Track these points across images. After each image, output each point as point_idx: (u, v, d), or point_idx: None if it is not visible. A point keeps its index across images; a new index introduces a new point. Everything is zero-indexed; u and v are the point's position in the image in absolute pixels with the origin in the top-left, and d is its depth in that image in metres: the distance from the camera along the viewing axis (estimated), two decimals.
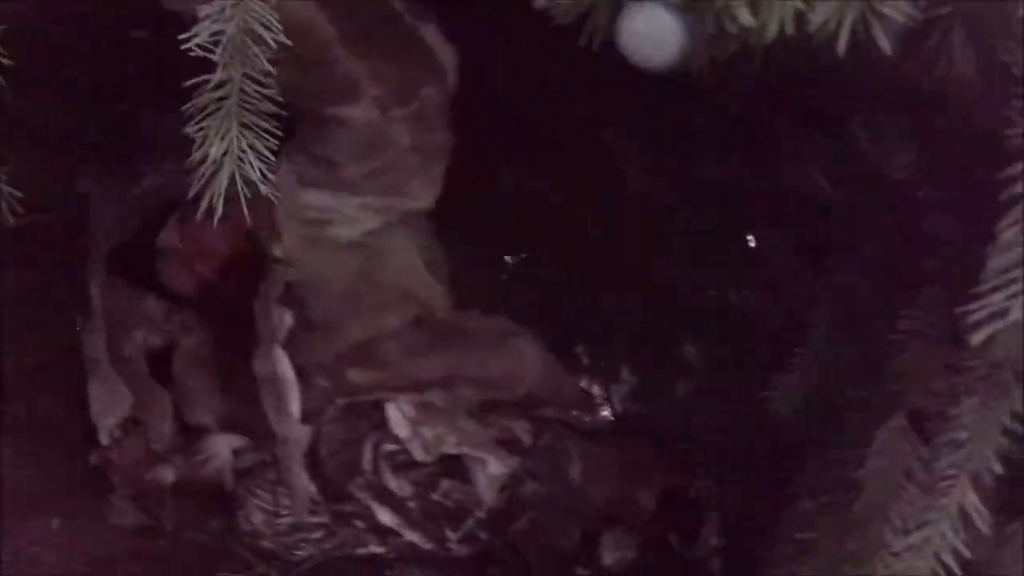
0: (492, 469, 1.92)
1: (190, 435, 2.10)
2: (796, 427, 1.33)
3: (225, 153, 0.98)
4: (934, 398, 0.99)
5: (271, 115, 1.00)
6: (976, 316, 0.75)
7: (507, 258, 2.64)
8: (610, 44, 0.86)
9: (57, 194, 2.06)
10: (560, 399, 2.13)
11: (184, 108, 1.00)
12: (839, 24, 0.75)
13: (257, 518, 1.97)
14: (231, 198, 0.99)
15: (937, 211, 1.15)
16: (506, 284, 2.58)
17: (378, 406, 1.95)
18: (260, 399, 1.93)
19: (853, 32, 0.75)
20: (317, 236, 1.83)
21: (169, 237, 2.07)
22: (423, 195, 1.86)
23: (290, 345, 1.90)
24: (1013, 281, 0.74)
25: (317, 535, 1.95)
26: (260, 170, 0.98)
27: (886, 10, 0.75)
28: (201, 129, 1.00)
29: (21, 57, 1.11)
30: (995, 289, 0.74)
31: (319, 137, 1.74)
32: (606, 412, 2.54)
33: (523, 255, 2.62)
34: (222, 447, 2.06)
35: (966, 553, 0.91)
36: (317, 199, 1.79)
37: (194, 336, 2.14)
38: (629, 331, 2.39)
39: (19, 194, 1.24)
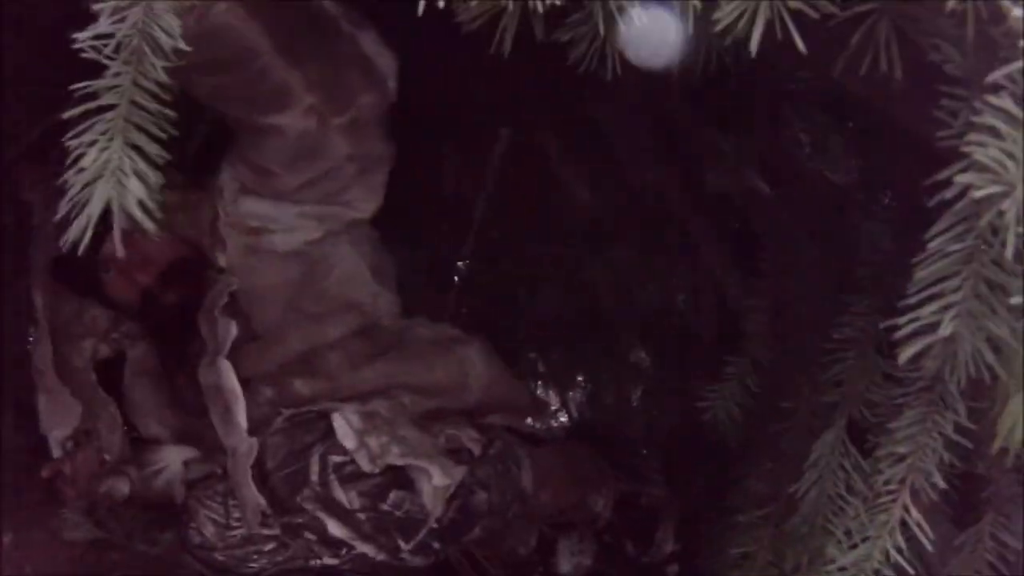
0: (436, 480, 1.87)
1: (141, 446, 2.06)
2: (738, 435, 1.30)
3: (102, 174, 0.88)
4: (873, 409, 0.94)
5: (161, 139, 0.90)
6: (904, 331, 0.70)
7: (459, 264, 2.63)
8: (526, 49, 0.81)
9: None
10: (510, 406, 2.10)
11: (67, 115, 0.91)
12: (751, 24, 0.70)
13: (209, 530, 1.90)
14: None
15: (869, 216, 1.11)
16: (457, 290, 2.57)
17: (324, 417, 1.89)
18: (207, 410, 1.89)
19: (770, 31, 0.70)
20: (258, 245, 1.79)
21: (111, 247, 2.01)
22: (363, 204, 1.83)
23: (235, 356, 1.86)
24: (942, 294, 0.69)
25: (269, 547, 1.90)
26: (141, 202, 0.88)
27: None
28: (80, 140, 0.90)
29: None
30: (923, 302, 0.69)
31: (254, 145, 1.69)
32: (563, 418, 2.59)
33: (471, 261, 2.62)
34: (173, 458, 2.01)
35: (909, 569, 0.87)
36: (257, 207, 1.75)
37: (140, 347, 2.09)
38: (580, 337, 2.43)
39: None
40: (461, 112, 2.07)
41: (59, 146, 2.25)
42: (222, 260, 1.83)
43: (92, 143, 0.87)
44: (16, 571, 1.93)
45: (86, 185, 0.87)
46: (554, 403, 2.62)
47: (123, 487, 2.01)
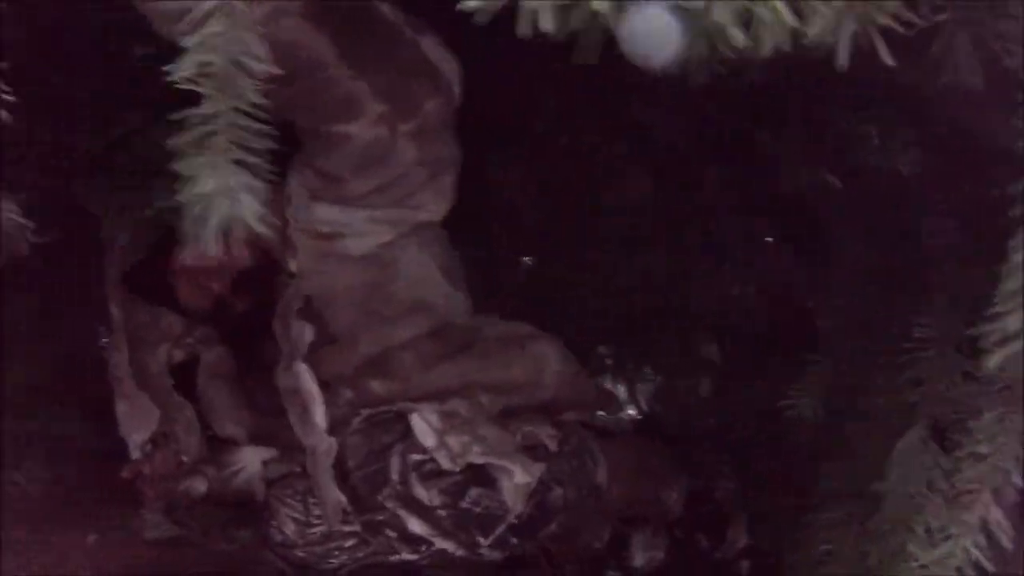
0: (518, 478, 1.91)
1: (219, 447, 2.11)
2: (817, 432, 1.32)
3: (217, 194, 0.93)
4: (954, 407, 0.97)
5: (265, 150, 0.96)
6: (990, 338, 0.73)
7: (525, 259, 2.64)
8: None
9: (64, 213, 2.07)
10: (583, 402, 2.12)
11: (172, 143, 0.97)
12: (837, 37, 0.72)
13: (289, 528, 1.97)
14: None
15: (946, 219, 1.13)
16: (523, 286, 2.58)
17: (402, 417, 1.94)
18: (284, 412, 1.94)
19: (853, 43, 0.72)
20: (330, 250, 1.82)
21: (184, 256, 2.08)
22: (433, 207, 1.86)
23: (312, 359, 1.91)
24: None
25: (349, 544, 1.95)
26: (255, 212, 0.94)
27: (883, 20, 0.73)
28: (189, 165, 0.96)
29: (26, 80, 1.10)
30: (1008, 312, 0.72)
31: (324, 153, 1.73)
32: (631, 411, 2.57)
33: (539, 256, 2.62)
34: (252, 459, 2.06)
35: (989, 567, 0.90)
36: (328, 213, 1.78)
37: (214, 350, 2.15)
38: (651, 331, 2.43)
39: (31, 225, 1.23)
40: (520, 112, 2.10)
41: (122, 158, 2.32)
42: (293, 265, 1.87)
43: (201, 166, 0.93)
44: (99, 571, 1.99)
45: (203, 206, 0.93)
46: (622, 396, 2.58)
47: (200, 486, 2.07)
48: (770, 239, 1.92)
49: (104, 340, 2.31)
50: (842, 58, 0.73)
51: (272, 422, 2.03)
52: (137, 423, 2.10)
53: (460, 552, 1.93)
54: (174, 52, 1.03)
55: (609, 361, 2.60)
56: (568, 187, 2.34)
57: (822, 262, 1.47)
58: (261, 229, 0.95)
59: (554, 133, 2.18)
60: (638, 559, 2.12)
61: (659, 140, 2.05)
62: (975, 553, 0.89)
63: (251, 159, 0.94)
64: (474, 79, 1.79)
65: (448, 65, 1.74)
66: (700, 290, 2.22)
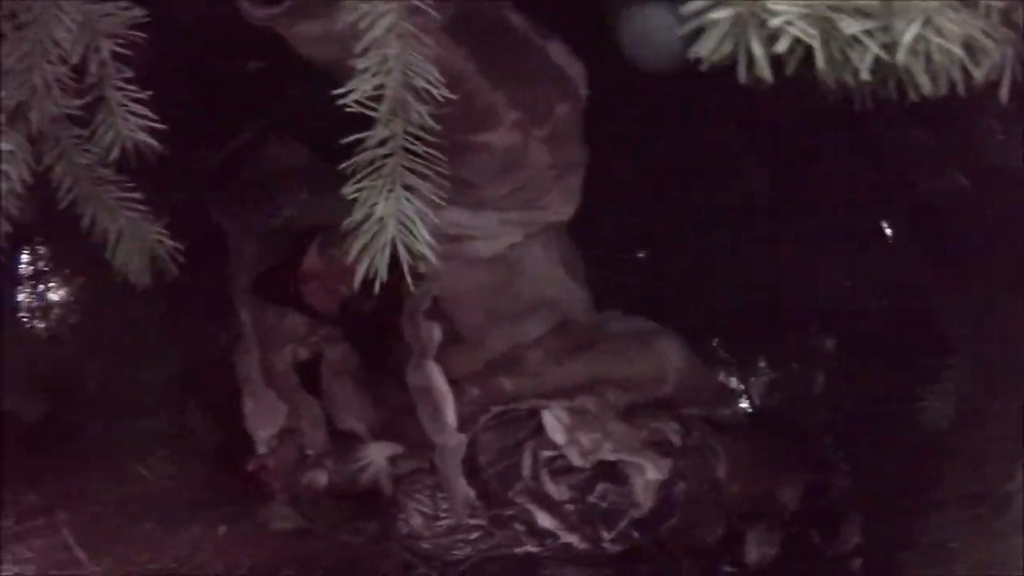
0: (650, 475, 1.97)
1: (342, 441, 2.21)
2: (945, 433, 1.37)
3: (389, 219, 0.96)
4: None
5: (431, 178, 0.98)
6: None
7: (639, 254, 2.73)
8: None
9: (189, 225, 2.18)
10: (703, 397, 2.18)
11: (344, 166, 0.99)
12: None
13: (417, 521, 2.06)
14: None
15: None
16: (639, 281, 2.63)
17: (533, 414, 2.01)
18: (413, 409, 2.02)
19: None
20: (459, 252, 1.87)
21: (313, 262, 2.18)
22: (561, 208, 1.92)
23: (440, 357, 1.98)
24: None
25: (474, 536, 2.03)
26: (426, 239, 0.98)
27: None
28: (361, 189, 0.98)
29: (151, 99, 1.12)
30: None
31: (459, 161, 1.79)
32: (744, 404, 2.61)
33: (654, 251, 2.70)
34: (377, 454, 2.16)
35: None
36: (458, 216, 1.82)
37: (338, 348, 2.25)
38: (765, 324, 2.45)
39: (180, 246, 1.24)
40: (634, 109, 2.13)
41: (242, 172, 2.41)
42: (422, 267, 1.97)
43: (373, 190, 0.97)
44: (231, 560, 2.07)
45: (374, 231, 0.98)
46: (736, 389, 2.66)
47: (322, 479, 2.18)
48: (890, 235, 1.94)
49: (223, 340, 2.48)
50: (1004, 93, 0.80)
51: (398, 418, 2.14)
52: (264, 419, 2.21)
53: (583, 545, 2.00)
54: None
55: (723, 354, 2.67)
56: (683, 183, 2.39)
57: (950, 263, 1.50)
58: (431, 256, 1.00)
59: (670, 129, 2.22)
60: (752, 554, 2.15)
61: (778, 137, 2.07)
62: None
63: (421, 185, 0.98)
64: (591, 78, 1.83)
65: (575, 69, 1.80)
66: (817, 286, 2.24)
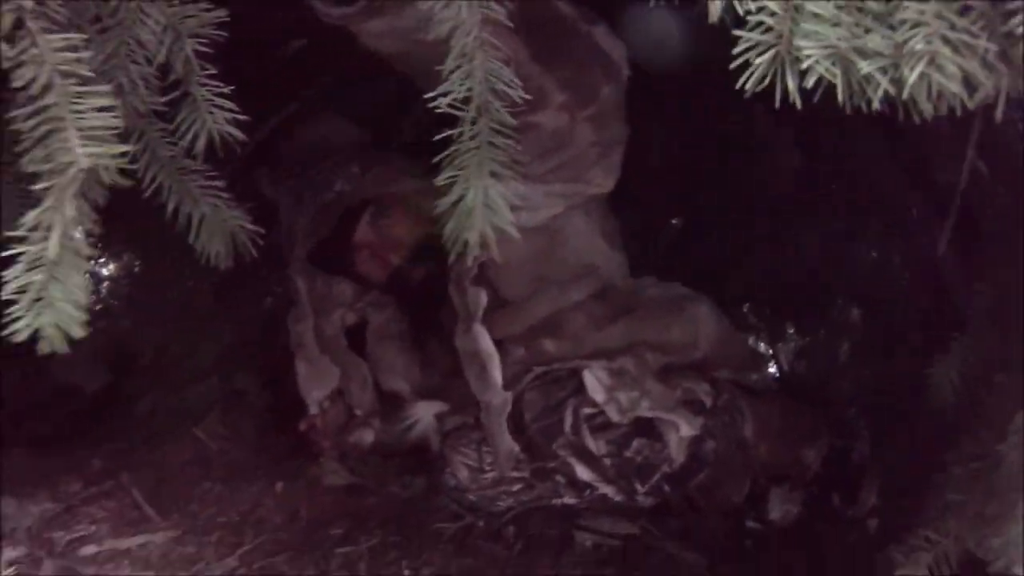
0: (683, 431, 2.09)
1: (389, 401, 2.35)
2: (948, 398, 1.45)
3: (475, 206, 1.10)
4: None
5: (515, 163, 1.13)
6: None
7: (673, 221, 2.85)
8: None
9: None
10: (733, 361, 2.28)
11: (437, 159, 1.12)
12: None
13: (463, 474, 2.20)
14: None
15: None
16: (674, 248, 2.78)
17: (574, 374, 2.13)
18: (458, 370, 2.15)
19: None
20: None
21: (365, 233, 2.33)
22: (603, 182, 2.05)
23: (486, 320, 2.10)
24: None
25: (516, 488, 2.16)
26: (510, 220, 1.13)
27: None
28: (452, 178, 1.11)
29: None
30: None
31: None
32: (772, 369, 2.73)
33: (688, 219, 2.82)
34: (424, 412, 2.30)
35: None
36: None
37: (384, 313, 2.39)
38: (794, 292, 2.57)
39: (261, 230, 1.30)
40: (670, 82, 2.23)
41: (288, 145, 2.47)
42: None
43: (463, 180, 1.11)
44: (290, 514, 2.17)
45: (466, 216, 1.12)
46: (765, 354, 2.76)
47: (368, 437, 2.33)
48: (915, 215, 2.01)
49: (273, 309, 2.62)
50: (999, 115, 0.90)
51: (444, 379, 2.29)
52: (317, 382, 2.34)
53: (619, 497, 2.14)
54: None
55: (753, 319, 2.80)
56: (719, 157, 2.51)
57: (969, 245, 1.55)
58: (515, 234, 1.15)
59: (708, 104, 2.31)
60: (775, 512, 2.23)
61: (811, 118, 2.16)
62: None
63: (505, 172, 1.13)
64: (630, 54, 1.95)
65: (618, 51, 1.94)
66: (844, 257, 2.36)
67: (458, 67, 1.10)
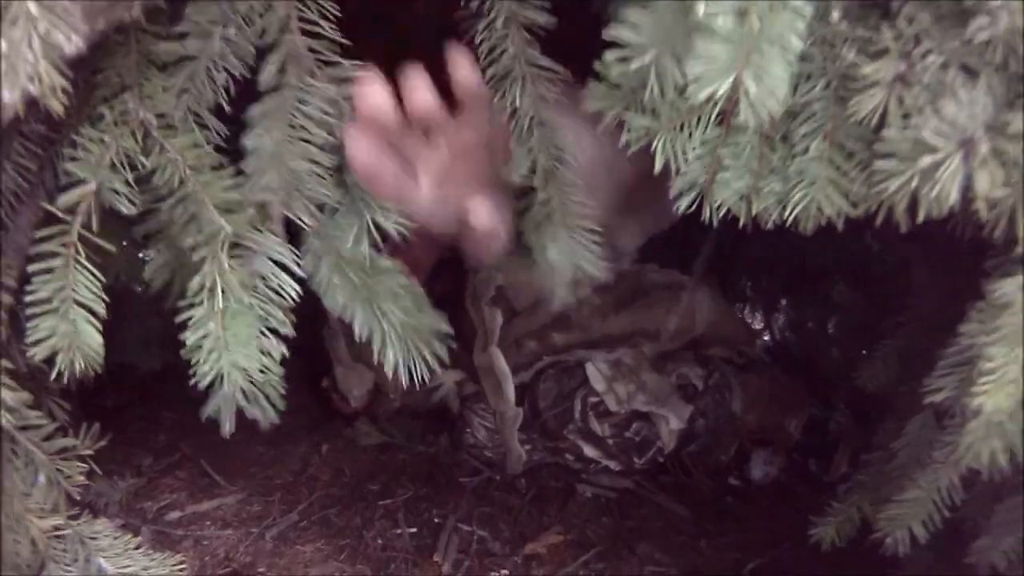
0: (673, 425, 2.30)
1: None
2: (880, 382, 1.61)
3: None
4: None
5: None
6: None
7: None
8: None
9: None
10: (728, 339, 2.47)
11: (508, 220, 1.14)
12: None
13: (481, 434, 2.41)
14: None
15: None
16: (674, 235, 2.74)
17: (582, 365, 2.32)
18: (479, 380, 2.37)
19: None
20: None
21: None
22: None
23: (504, 326, 2.33)
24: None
25: (527, 448, 2.36)
26: (596, 266, 1.17)
27: None
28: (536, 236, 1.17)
29: None
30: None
31: None
32: (765, 338, 2.89)
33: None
34: (447, 378, 2.49)
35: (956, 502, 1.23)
36: None
37: None
38: (788, 267, 2.72)
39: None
40: None
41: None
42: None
43: (545, 238, 1.17)
44: (336, 471, 2.36)
45: (554, 269, 1.18)
46: (758, 324, 2.88)
47: (394, 403, 2.56)
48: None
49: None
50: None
51: (464, 355, 2.44)
52: (354, 384, 2.53)
53: (619, 468, 2.36)
54: None
55: (750, 293, 2.96)
56: None
57: (919, 240, 1.56)
58: (603, 276, 1.17)
59: None
60: (756, 472, 2.42)
61: None
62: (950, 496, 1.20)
63: (581, 223, 1.17)
64: None
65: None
66: (836, 242, 2.39)
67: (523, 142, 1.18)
